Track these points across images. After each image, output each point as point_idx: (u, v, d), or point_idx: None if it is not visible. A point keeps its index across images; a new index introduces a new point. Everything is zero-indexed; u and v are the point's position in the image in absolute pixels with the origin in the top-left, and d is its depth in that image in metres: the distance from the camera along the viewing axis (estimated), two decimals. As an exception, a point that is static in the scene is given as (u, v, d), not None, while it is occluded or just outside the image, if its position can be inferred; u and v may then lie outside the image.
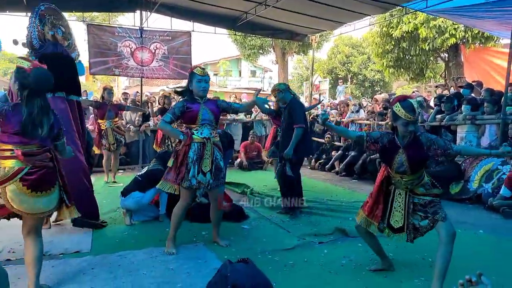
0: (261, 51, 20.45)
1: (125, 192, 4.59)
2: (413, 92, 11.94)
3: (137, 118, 8.97)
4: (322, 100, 12.10)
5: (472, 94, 7.51)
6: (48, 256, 3.50)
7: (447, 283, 2.82)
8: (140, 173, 4.87)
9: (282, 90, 5.05)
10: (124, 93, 10.56)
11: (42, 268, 2.81)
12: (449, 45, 11.61)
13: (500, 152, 2.79)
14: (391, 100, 7.31)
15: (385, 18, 11.18)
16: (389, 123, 2.88)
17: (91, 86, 26.17)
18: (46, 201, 2.68)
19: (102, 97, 7.08)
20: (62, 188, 2.82)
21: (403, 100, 2.80)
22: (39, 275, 2.74)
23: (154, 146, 7.88)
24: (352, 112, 9.70)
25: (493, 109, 6.19)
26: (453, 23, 10.89)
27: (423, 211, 2.89)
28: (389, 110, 2.79)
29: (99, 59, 9.16)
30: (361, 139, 2.99)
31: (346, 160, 8.47)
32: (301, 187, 5.13)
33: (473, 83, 8.13)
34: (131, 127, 8.85)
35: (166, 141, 7.70)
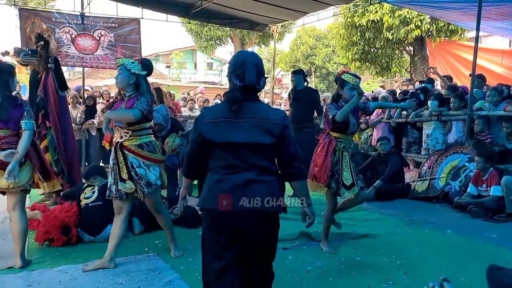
0: (218, 42, 20.31)
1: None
2: (380, 86, 12.31)
3: (78, 115, 8.62)
4: None
5: (441, 90, 7.77)
6: (-25, 274, 3.32)
7: (416, 286, 2.94)
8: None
9: None
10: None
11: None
12: (414, 37, 12.05)
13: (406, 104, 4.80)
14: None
15: (349, 9, 11.45)
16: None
17: (25, 79, 24.89)
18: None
19: None
20: (35, 166, 3.40)
21: (348, 72, 3.89)
22: (25, 247, 3.46)
23: (103, 142, 7.50)
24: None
25: (460, 104, 6.35)
26: (418, 14, 11.31)
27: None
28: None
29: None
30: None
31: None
32: None
33: (444, 77, 8.44)
34: (72, 125, 8.49)
35: None
